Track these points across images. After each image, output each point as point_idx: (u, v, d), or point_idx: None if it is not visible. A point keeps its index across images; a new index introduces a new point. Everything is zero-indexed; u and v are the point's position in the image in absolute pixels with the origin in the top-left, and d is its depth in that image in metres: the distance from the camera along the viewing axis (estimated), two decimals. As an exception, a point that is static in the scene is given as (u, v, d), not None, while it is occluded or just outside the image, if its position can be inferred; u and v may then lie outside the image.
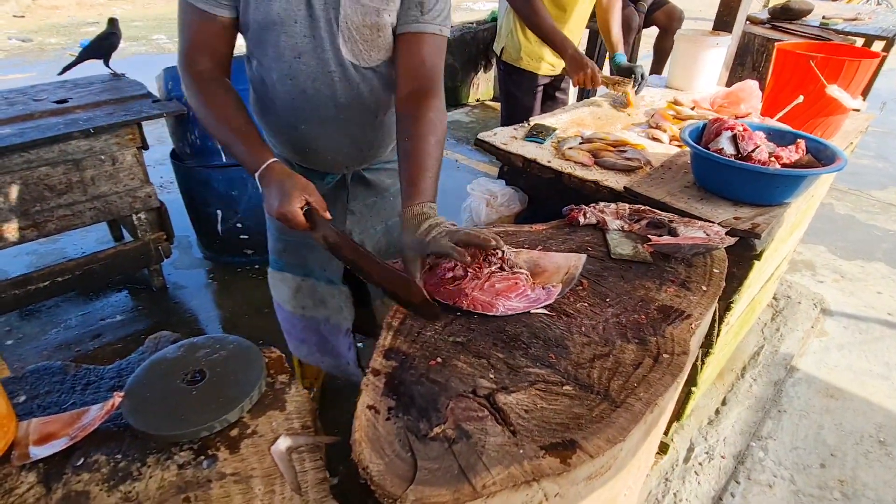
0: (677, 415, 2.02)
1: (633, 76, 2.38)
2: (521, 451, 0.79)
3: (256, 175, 1.18)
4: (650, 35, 4.48)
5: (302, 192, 1.14)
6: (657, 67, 4.34)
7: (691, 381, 1.85)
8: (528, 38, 2.52)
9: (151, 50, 8.20)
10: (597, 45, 4.55)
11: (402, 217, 1.17)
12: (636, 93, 2.37)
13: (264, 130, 1.43)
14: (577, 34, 2.57)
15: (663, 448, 2.04)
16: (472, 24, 6.04)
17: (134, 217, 2.60)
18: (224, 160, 2.78)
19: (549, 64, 2.59)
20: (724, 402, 2.31)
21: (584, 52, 2.37)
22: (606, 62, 2.64)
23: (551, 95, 2.80)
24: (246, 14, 1.20)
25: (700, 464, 2.03)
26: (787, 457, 2.07)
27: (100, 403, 0.89)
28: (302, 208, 1.13)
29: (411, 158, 1.20)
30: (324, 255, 1.50)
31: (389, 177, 1.56)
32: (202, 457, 0.83)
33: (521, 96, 2.69)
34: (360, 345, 2.44)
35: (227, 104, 1.23)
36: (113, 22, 2.79)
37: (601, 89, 2.51)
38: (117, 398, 0.87)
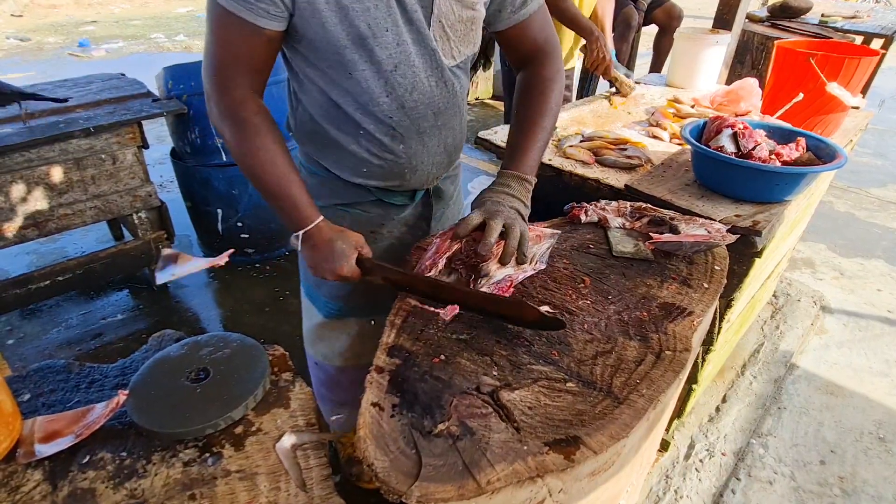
0: (678, 412, 2.02)
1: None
2: (525, 447, 0.80)
3: (301, 233, 1.10)
4: (650, 33, 4.48)
5: (355, 247, 1.10)
6: (657, 66, 4.35)
7: (692, 378, 1.86)
8: None
9: (150, 49, 8.20)
10: None
11: (498, 175, 1.22)
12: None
13: (340, 164, 1.26)
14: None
15: (664, 445, 2.04)
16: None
17: (134, 216, 2.60)
18: (224, 159, 2.78)
19: None
20: (724, 400, 2.31)
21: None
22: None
23: None
24: (315, 30, 1.02)
25: (701, 461, 2.04)
26: (787, 454, 2.08)
27: (104, 401, 0.89)
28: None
29: (523, 127, 1.23)
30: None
31: (452, 183, 1.48)
32: (207, 454, 0.84)
33: None
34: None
35: (273, 149, 1.08)
36: None
37: (599, 88, 2.52)
38: (122, 396, 0.87)
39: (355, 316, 1.47)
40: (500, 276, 1.10)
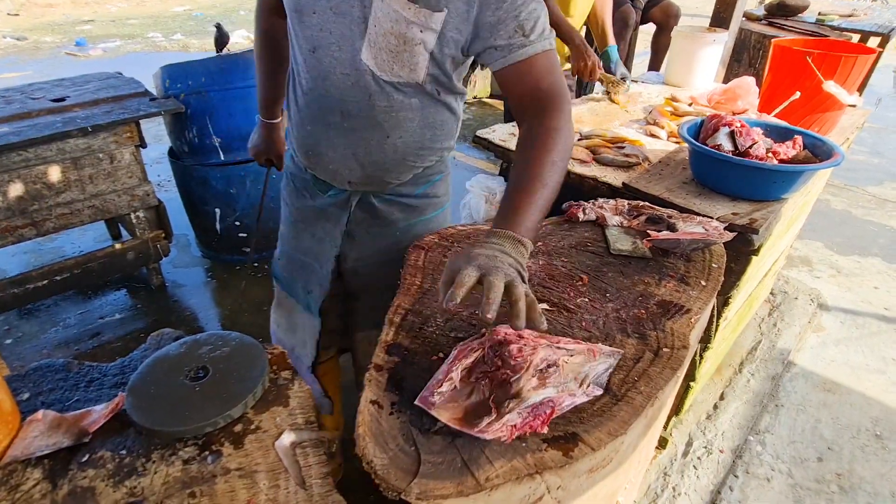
0: (676, 409, 2.03)
1: (624, 81, 2.43)
2: (524, 444, 0.80)
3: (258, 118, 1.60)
4: (647, 32, 4.48)
5: (265, 151, 1.65)
6: (655, 64, 4.35)
7: (690, 375, 1.86)
8: None
9: (147, 48, 8.18)
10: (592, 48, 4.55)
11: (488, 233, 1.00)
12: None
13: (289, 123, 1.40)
14: (578, 29, 2.57)
15: (662, 443, 2.05)
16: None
17: (132, 215, 2.60)
18: (222, 158, 2.78)
19: None
20: (722, 397, 2.32)
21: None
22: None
23: None
24: None
25: (698, 458, 2.05)
26: (784, 451, 2.09)
27: (103, 403, 0.89)
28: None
29: (522, 183, 1.04)
30: (311, 279, 1.44)
31: (402, 211, 1.38)
32: (206, 452, 0.84)
33: None
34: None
35: (263, 57, 1.48)
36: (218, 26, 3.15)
37: (598, 87, 2.52)
38: (121, 398, 0.88)
39: (279, 283, 1.58)
40: (538, 399, 0.84)
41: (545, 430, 0.81)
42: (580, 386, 0.89)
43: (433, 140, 1.28)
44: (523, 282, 0.89)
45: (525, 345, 0.90)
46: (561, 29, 2.34)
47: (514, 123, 2.04)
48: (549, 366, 0.88)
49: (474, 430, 0.79)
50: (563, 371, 0.89)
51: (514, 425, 0.80)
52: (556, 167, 1.05)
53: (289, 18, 1.19)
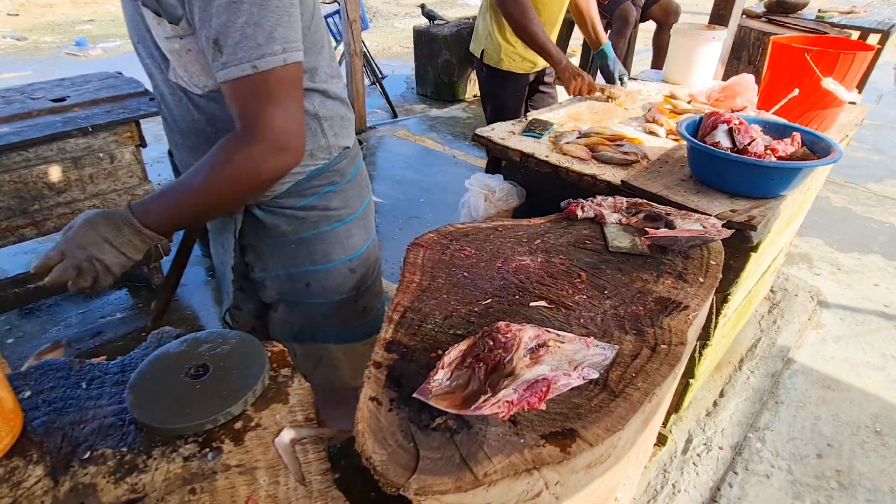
0: (676, 407, 2.03)
1: (622, 82, 2.43)
2: (522, 440, 0.80)
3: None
4: (647, 30, 4.49)
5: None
6: (657, 62, 4.35)
7: (689, 373, 1.87)
8: (507, 40, 2.51)
9: (147, 48, 8.17)
10: (590, 58, 4.53)
11: None
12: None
13: None
14: (552, 33, 2.56)
15: (662, 440, 2.06)
16: (469, 19, 6.04)
17: (133, 215, 2.61)
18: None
19: (530, 62, 2.59)
20: (721, 394, 2.33)
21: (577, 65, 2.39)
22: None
23: (535, 91, 2.80)
24: None
25: (698, 455, 2.05)
26: (784, 447, 2.09)
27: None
28: None
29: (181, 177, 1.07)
30: (223, 285, 1.47)
31: (288, 223, 1.31)
32: (207, 449, 0.84)
33: (507, 98, 2.67)
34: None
35: None
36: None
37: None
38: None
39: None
40: (532, 375, 0.85)
41: (542, 406, 0.83)
42: (575, 369, 0.90)
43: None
44: (93, 275, 1.03)
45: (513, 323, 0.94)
46: (547, 51, 2.33)
47: (513, 122, 2.05)
48: (539, 345, 0.91)
49: (470, 410, 0.80)
50: (556, 354, 0.91)
51: (511, 401, 0.81)
52: (217, 188, 1.01)
53: None
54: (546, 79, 2.79)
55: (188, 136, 1.18)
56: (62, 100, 2.45)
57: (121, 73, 2.89)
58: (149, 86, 2.66)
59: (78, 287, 0.99)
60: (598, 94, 2.38)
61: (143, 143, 2.50)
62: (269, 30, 0.94)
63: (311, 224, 1.33)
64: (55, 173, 2.30)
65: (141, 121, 2.44)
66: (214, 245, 1.45)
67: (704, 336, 1.75)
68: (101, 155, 2.39)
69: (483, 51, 2.61)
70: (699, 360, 1.82)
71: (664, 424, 2.05)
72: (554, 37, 2.53)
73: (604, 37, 2.58)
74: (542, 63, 2.62)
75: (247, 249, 1.37)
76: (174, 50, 1.03)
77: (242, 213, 1.30)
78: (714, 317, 1.70)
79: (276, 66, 0.96)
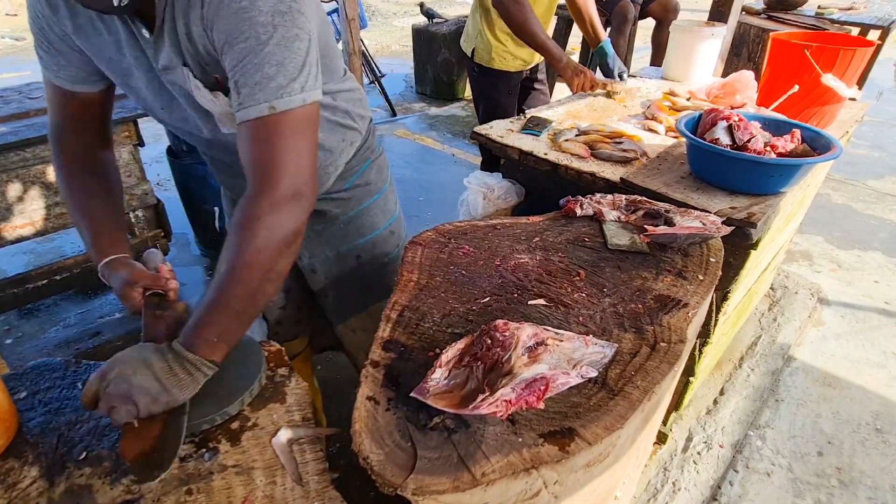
0: (676, 405, 2.03)
1: (621, 78, 2.42)
2: (520, 439, 0.80)
3: (99, 268, 1.06)
4: (646, 27, 4.47)
5: (133, 284, 1.04)
6: (657, 60, 4.34)
7: (689, 371, 1.86)
8: (497, 39, 2.50)
9: (146, 47, 8.16)
10: (589, 55, 4.51)
11: None
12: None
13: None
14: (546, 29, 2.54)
15: (662, 438, 2.05)
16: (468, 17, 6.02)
17: (131, 215, 2.60)
18: (221, 156, 2.78)
19: (522, 60, 2.58)
20: (722, 392, 2.32)
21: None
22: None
23: (528, 89, 2.79)
24: None
25: (698, 453, 2.05)
26: (784, 445, 2.09)
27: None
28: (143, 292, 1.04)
29: (214, 280, 0.94)
30: None
31: (338, 206, 1.43)
32: (203, 450, 0.84)
33: (500, 97, 2.66)
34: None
35: (85, 193, 1.10)
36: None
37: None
38: None
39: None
40: (530, 374, 0.85)
41: (541, 405, 0.83)
42: (573, 368, 0.89)
43: (339, 148, 1.33)
44: (134, 409, 0.81)
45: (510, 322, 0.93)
46: (547, 49, 2.32)
47: (511, 119, 2.04)
48: (538, 343, 0.90)
49: (468, 409, 0.79)
50: (554, 352, 0.90)
51: (509, 400, 0.81)
52: (253, 267, 0.90)
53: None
54: (539, 76, 2.78)
55: (214, 148, 1.25)
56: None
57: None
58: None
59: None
60: (599, 90, 2.37)
61: (140, 143, 2.49)
62: (292, 70, 0.92)
63: (357, 201, 1.45)
64: (53, 173, 2.29)
65: (139, 120, 2.43)
66: None
67: (704, 334, 1.75)
68: (99, 154, 2.38)
69: (474, 49, 2.60)
70: (699, 357, 1.82)
71: (664, 423, 2.05)
72: (549, 33, 2.52)
73: (602, 34, 2.56)
74: (533, 61, 2.61)
75: None
76: (226, 112, 1.04)
77: None
78: (714, 314, 1.69)
79: (296, 107, 0.94)
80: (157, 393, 0.82)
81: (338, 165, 1.37)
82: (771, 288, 2.94)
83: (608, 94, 2.36)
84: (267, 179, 0.92)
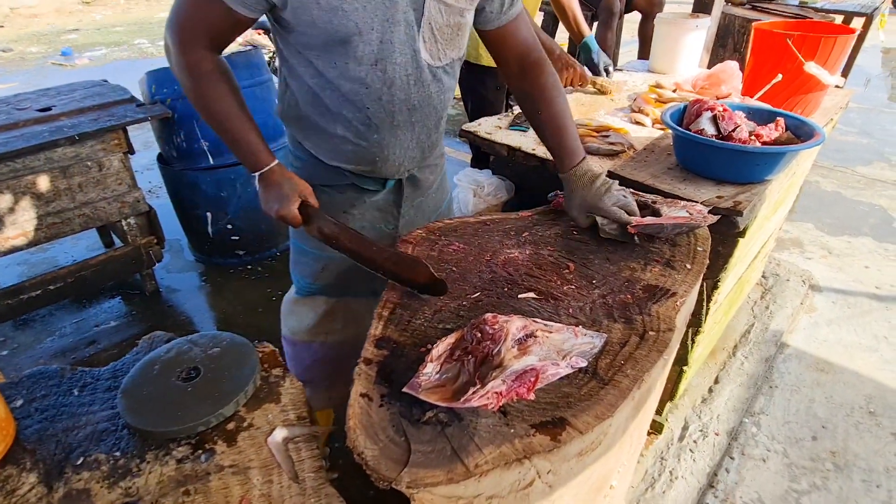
0: (671, 394, 2.04)
1: (607, 73, 2.43)
2: (512, 430, 0.81)
3: (256, 175, 1.22)
4: (633, 20, 4.49)
5: (299, 193, 1.21)
6: (643, 53, 4.35)
7: (683, 360, 1.88)
8: None
9: (133, 55, 8.15)
10: (576, 52, 4.51)
11: (568, 178, 1.31)
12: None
13: (321, 147, 1.34)
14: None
15: (658, 428, 2.07)
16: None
17: (123, 222, 2.60)
18: (211, 162, 2.78)
19: None
20: (716, 381, 2.34)
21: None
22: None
23: None
24: (304, 25, 1.09)
25: (695, 441, 2.07)
26: (779, 431, 2.11)
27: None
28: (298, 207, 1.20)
29: (552, 125, 1.32)
30: (365, 271, 1.40)
31: (432, 173, 1.52)
32: (200, 451, 0.85)
33: (487, 93, 2.65)
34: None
35: (229, 100, 1.18)
36: None
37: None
38: None
39: (324, 294, 1.56)
40: (520, 366, 0.86)
41: (532, 396, 0.84)
42: (563, 359, 0.91)
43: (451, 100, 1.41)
44: (622, 193, 1.30)
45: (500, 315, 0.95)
46: (541, 41, 2.32)
47: (500, 116, 2.05)
48: (527, 336, 0.92)
49: (460, 402, 0.80)
50: (544, 344, 0.92)
51: (500, 392, 0.82)
52: (566, 101, 1.33)
53: (322, 45, 1.13)
54: None
55: (418, 111, 1.27)
56: (48, 109, 2.44)
57: (106, 81, 2.87)
58: (136, 93, 2.66)
59: None
60: (589, 87, 2.38)
61: (130, 150, 2.49)
62: None
63: (440, 168, 1.57)
64: (43, 183, 2.29)
65: (128, 128, 2.44)
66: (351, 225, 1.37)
67: (696, 323, 1.76)
68: (89, 163, 2.38)
69: None
70: (692, 347, 1.84)
71: (660, 412, 2.06)
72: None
73: (586, 29, 2.58)
74: None
75: (397, 221, 1.51)
76: (462, 22, 1.20)
77: (406, 181, 1.45)
78: (705, 303, 1.71)
79: None
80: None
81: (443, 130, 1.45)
82: (762, 276, 2.97)
83: (600, 91, 2.37)
84: (539, 51, 1.37)
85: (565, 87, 2.40)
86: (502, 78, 2.65)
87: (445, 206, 1.64)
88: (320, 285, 1.55)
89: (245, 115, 1.20)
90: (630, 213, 1.27)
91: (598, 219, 1.34)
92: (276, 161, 1.23)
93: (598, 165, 1.67)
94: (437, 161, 1.53)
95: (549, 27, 4.63)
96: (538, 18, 2.80)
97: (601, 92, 2.36)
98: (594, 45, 2.49)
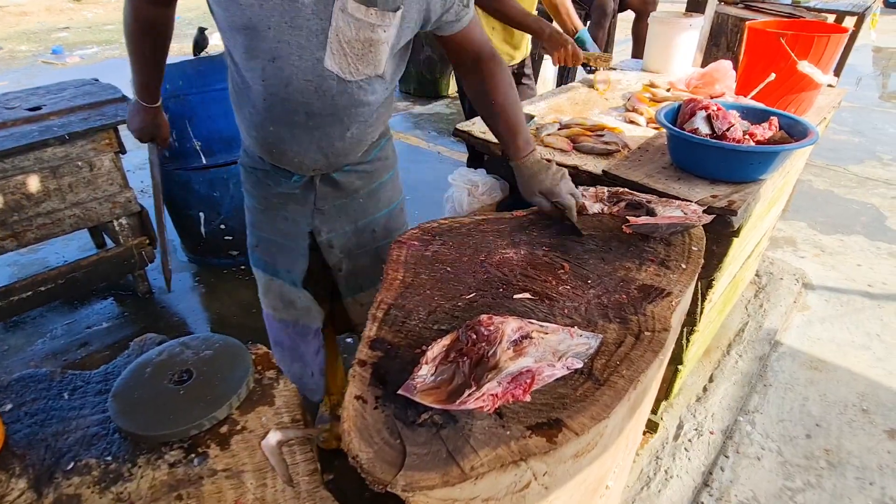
0: (665, 393, 2.05)
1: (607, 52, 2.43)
2: (508, 432, 0.81)
3: (132, 99, 1.66)
4: (626, 20, 4.50)
5: (150, 130, 1.75)
6: (637, 52, 4.36)
7: (677, 359, 1.88)
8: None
9: (125, 53, 8.07)
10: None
11: (525, 164, 1.36)
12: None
13: (240, 123, 1.41)
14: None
15: (653, 427, 2.07)
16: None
17: (115, 223, 2.58)
18: (204, 161, 2.76)
19: (506, 55, 2.57)
20: (711, 379, 2.34)
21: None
22: None
23: (515, 84, 2.78)
24: (214, 3, 1.16)
25: (689, 440, 2.07)
26: (773, 429, 2.12)
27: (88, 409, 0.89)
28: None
29: (502, 117, 1.39)
30: (290, 257, 1.52)
31: (360, 178, 1.50)
32: (193, 455, 0.84)
33: None
34: (349, 340, 2.45)
35: (147, 42, 1.45)
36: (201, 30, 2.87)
37: (579, 74, 2.52)
38: None
39: (261, 269, 1.59)
40: (516, 368, 0.85)
41: (527, 398, 0.83)
42: (559, 360, 0.90)
43: (385, 117, 1.44)
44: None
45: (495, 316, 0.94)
46: (526, 23, 2.31)
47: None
48: (522, 337, 0.91)
49: (455, 404, 0.80)
50: (540, 345, 0.91)
51: (496, 394, 0.81)
52: (515, 93, 1.41)
53: (228, 33, 1.20)
54: (525, 70, 2.78)
55: (317, 117, 1.28)
56: (38, 108, 2.42)
57: (97, 80, 2.85)
58: (128, 92, 2.64)
59: None
60: (583, 85, 2.37)
61: (122, 150, 2.47)
62: None
63: (377, 175, 1.54)
64: (33, 183, 2.27)
65: (119, 127, 2.41)
66: (273, 220, 1.51)
67: (691, 322, 1.76)
68: (79, 163, 2.36)
69: None
70: (687, 346, 1.84)
71: (655, 412, 2.06)
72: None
73: (579, 23, 2.57)
74: (518, 56, 2.61)
75: (313, 216, 1.49)
76: (374, 38, 1.17)
77: (319, 181, 1.45)
78: (700, 302, 1.71)
79: None
80: None
81: (376, 133, 1.45)
82: (756, 274, 2.97)
83: (595, 65, 2.36)
84: (488, 48, 1.41)
85: (557, 64, 2.40)
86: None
87: (384, 213, 1.59)
88: (256, 257, 1.60)
89: (154, 59, 1.51)
90: (577, 204, 1.35)
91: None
92: (157, 104, 1.68)
93: (594, 165, 1.67)
94: (369, 169, 1.51)
95: None
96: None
97: (595, 66, 2.36)
98: (587, 38, 2.49)
